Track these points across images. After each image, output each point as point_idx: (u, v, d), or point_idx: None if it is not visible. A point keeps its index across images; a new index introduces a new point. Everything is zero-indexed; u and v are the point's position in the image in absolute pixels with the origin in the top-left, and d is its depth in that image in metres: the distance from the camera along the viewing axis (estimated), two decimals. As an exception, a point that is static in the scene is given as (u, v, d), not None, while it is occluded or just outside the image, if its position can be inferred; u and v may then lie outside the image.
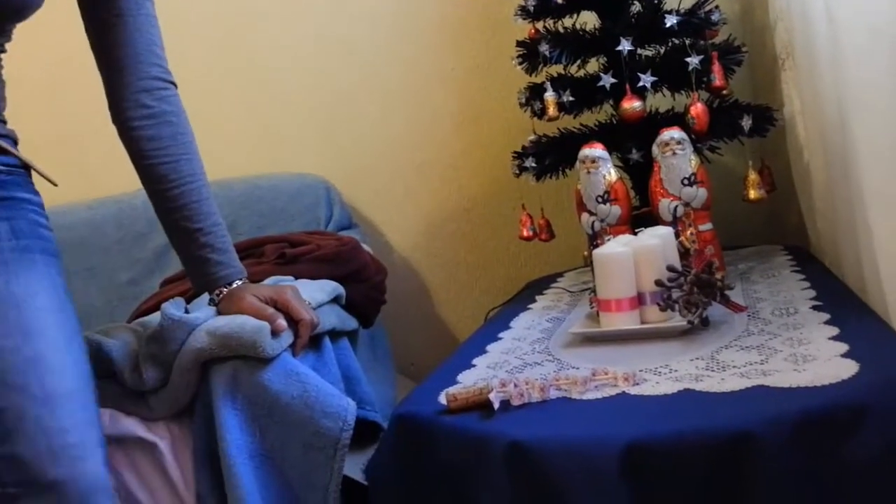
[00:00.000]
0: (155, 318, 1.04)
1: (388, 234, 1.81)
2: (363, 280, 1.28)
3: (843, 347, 0.76)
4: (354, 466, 1.02)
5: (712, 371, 0.77)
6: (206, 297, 1.06)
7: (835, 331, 0.82)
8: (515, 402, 0.78)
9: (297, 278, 1.19)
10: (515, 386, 0.79)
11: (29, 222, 0.88)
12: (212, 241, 0.99)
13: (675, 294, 0.95)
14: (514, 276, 1.75)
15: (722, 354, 0.83)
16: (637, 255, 0.99)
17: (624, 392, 0.76)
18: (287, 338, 0.97)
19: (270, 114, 1.79)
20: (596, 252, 1.00)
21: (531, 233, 1.42)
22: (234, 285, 1.00)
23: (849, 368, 0.70)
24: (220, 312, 0.99)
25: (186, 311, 0.99)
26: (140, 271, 1.68)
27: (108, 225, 1.69)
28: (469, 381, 0.90)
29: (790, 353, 0.78)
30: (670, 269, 0.98)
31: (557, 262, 1.71)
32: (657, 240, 1.00)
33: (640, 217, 1.25)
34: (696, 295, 0.93)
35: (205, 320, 0.95)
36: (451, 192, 1.75)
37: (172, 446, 0.96)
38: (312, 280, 1.19)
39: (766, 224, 1.57)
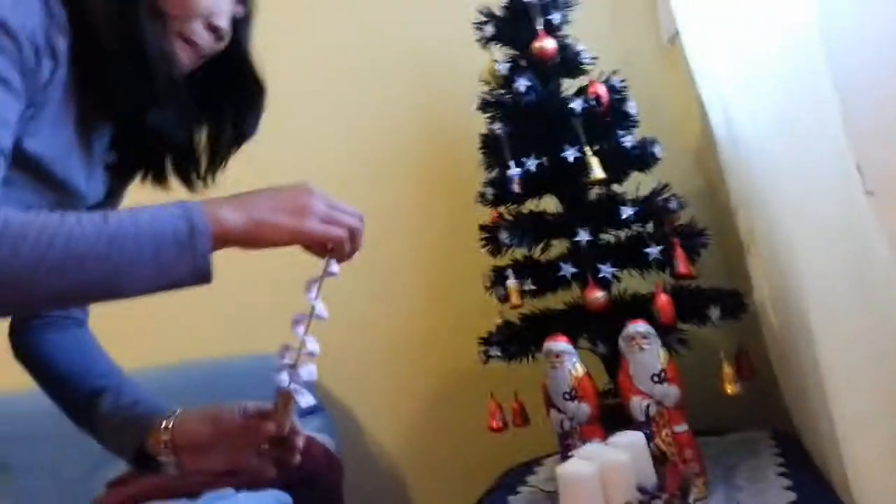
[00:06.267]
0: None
1: (358, 417, 1.71)
2: (313, 484, 1.18)
3: None
4: None
5: None
6: None
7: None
8: None
9: (237, 488, 1.10)
10: None
11: None
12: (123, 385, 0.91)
13: (648, 520, 0.85)
14: (492, 460, 1.63)
15: None
16: (604, 473, 0.89)
17: None
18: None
19: (230, 290, 1.75)
20: (559, 471, 0.91)
21: (501, 423, 1.33)
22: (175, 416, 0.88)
23: None
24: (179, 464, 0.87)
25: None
26: (87, 466, 1.57)
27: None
28: None
29: None
30: (641, 489, 0.89)
31: (537, 443, 1.59)
32: (626, 454, 0.91)
33: (614, 408, 1.17)
34: (669, 525, 0.83)
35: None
36: (422, 374, 1.68)
37: None
38: (253, 490, 1.09)
39: (754, 403, 1.47)
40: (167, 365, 1.72)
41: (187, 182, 0.89)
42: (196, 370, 1.64)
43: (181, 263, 0.66)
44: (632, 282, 1.29)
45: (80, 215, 0.64)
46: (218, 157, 0.89)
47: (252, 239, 0.71)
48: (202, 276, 0.68)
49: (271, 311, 1.74)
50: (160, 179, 0.89)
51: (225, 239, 0.69)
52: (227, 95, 0.87)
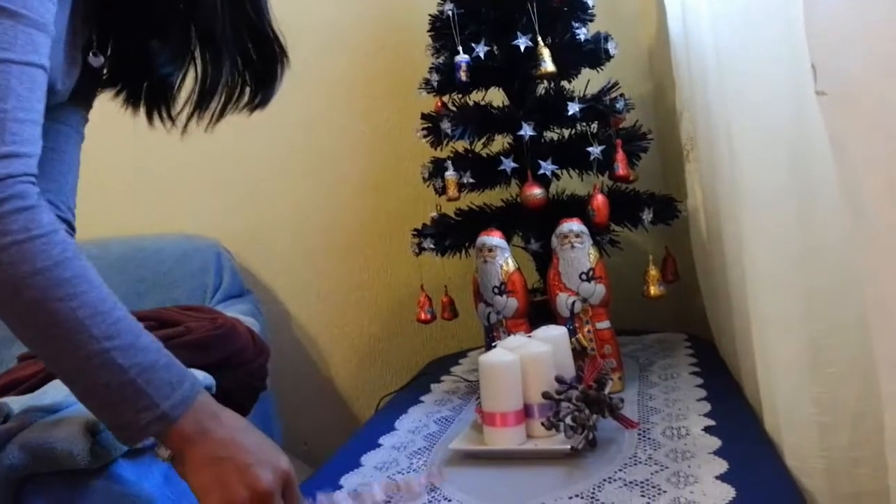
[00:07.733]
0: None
1: (286, 301, 1.70)
2: (238, 366, 1.16)
3: (730, 493, 0.70)
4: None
5: (590, 517, 0.70)
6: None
7: (724, 466, 0.76)
8: None
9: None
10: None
11: None
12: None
13: (564, 409, 0.88)
14: (419, 350, 1.67)
15: (604, 491, 0.75)
16: (525, 364, 0.91)
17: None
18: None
19: (160, 169, 1.67)
20: (481, 359, 0.92)
21: (429, 315, 1.33)
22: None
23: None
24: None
25: (6, 418, 0.85)
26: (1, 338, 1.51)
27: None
28: (331, 509, 0.80)
29: (674, 496, 0.71)
30: (559, 380, 0.91)
31: (465, 337, 1.63)
32: (547, 346, 0.93)
33: (540, 305, 1.19)
34: (583, 413, 0.86)
35: (19, 430, 0.82)
36: (356, 259, 1.66)
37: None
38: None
39: (674, 308, 1.53)
40: (85, 241, 1.65)
41: (150, 115, 0.88)
42: (116, 247, 1.58)
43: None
44: (570, 184, 1.29)
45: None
46: (207, 109, 0.84)
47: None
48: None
49: (192, 192, 1.67)
50: (132, 103, 0.88)
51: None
52: (238, 49, 0.83)
